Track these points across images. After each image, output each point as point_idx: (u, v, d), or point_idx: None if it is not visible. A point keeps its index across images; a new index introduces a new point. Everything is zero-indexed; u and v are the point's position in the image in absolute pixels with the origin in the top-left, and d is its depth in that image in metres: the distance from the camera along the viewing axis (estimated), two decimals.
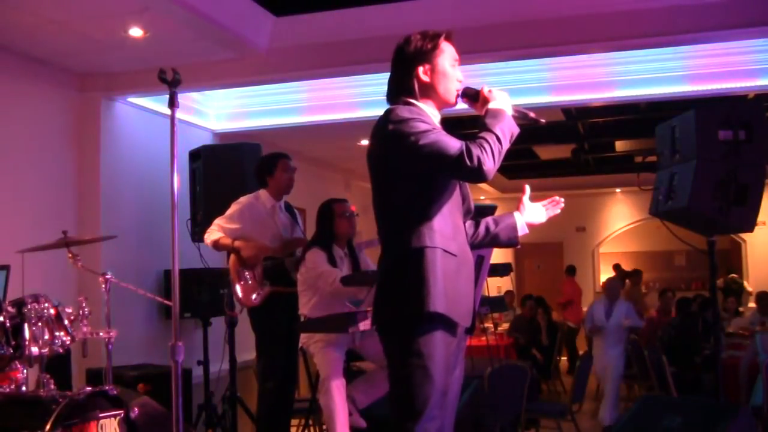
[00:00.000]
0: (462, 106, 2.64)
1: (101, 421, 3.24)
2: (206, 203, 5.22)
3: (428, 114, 2.51)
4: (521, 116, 2.55)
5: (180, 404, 2.72)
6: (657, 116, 6.08)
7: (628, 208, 13.50)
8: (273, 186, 4.65)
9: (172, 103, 2.78)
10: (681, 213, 3.92)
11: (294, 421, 4.94)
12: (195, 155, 5.54)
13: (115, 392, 3.38)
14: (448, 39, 2.58)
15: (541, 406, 6.08)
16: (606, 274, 12.85)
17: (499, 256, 9.52)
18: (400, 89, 2.55)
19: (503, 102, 2.48)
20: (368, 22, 5.02)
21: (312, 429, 4.92)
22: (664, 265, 14.16)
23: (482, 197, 12.96)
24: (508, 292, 10.46)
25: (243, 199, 4.61)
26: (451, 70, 2.54)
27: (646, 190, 4.32)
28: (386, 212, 2.51)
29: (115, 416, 3.29)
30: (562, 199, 2.72)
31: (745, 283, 12.22)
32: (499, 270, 3.82)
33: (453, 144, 2.33)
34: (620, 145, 9.79)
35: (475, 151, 2.29)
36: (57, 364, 3.90)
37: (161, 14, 4.53)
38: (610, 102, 6.18)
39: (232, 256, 4.54)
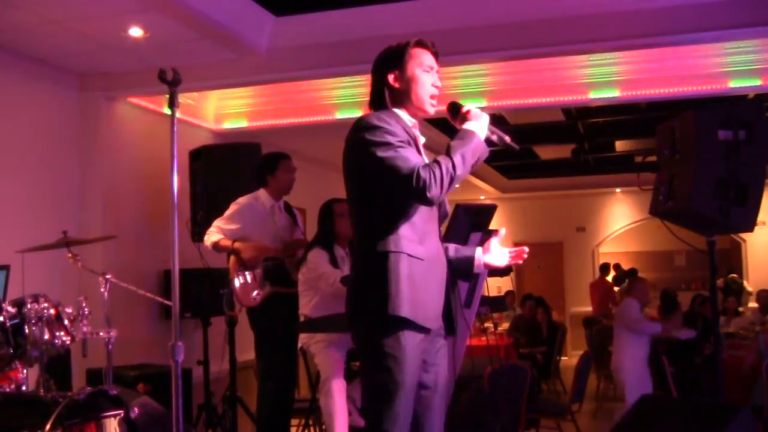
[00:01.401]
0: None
1: (101, 421, 3.24)
2: (206, 203, 5.22)
3: (403, 120, 2.50)
4: (498, 140, 2.53)
5: (180, 404, 2.72)
6: (657, 116, 6.10)
7: (628, 208, 13.48)
8: (274, 185, 4.65)
9: (172, 103, 2.77)
10: (681, 213, 3.91)
11: (294, 421, 4.93)
12: (195, 155, 5.54)
13: (115, 392, 3.38)
14: (420, 45, 2.56)
15: (541, 406, 6.08)
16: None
17: None
18: (375, 97, 2.59)
19: (479, 124, 2.45)
20: (368, 22, 5.01)
21: (312, 429, 4.92)
22: (664, 265, 14.15)
23: (482, 197, 12.96)
24: (508, 292, 10.48)
25: (242, 200, 4.61)
26: (422, 76, 2.53)
27: (646, 190, 4.31)
28: (356, 215, 2.51)
29: (115, 416, 3.28)
30: (527, 250, 2.66)
31: (745, 283, 12.23)
32: (499, 270, 3.81)
33: (408, 163, 2.31)
34: (620, 145, 9.79)
35: (425, 175, 2.27)
36: (57, 364, 3.90)
37: (161, 14, 4.53)
38: (610, 102, 6.19)
39: (232, 257, 4.54)
